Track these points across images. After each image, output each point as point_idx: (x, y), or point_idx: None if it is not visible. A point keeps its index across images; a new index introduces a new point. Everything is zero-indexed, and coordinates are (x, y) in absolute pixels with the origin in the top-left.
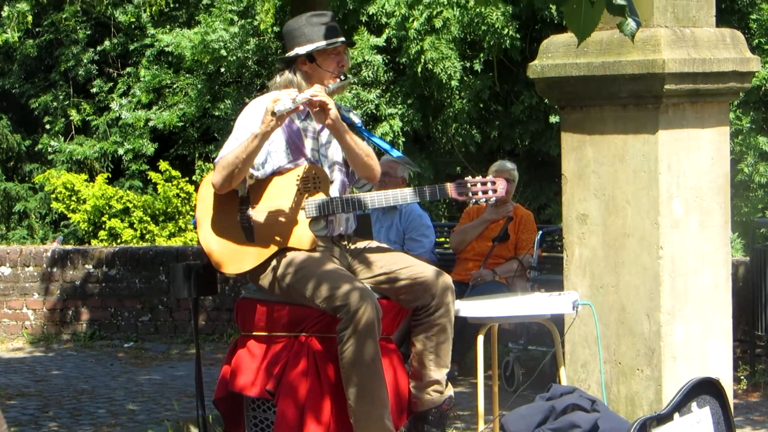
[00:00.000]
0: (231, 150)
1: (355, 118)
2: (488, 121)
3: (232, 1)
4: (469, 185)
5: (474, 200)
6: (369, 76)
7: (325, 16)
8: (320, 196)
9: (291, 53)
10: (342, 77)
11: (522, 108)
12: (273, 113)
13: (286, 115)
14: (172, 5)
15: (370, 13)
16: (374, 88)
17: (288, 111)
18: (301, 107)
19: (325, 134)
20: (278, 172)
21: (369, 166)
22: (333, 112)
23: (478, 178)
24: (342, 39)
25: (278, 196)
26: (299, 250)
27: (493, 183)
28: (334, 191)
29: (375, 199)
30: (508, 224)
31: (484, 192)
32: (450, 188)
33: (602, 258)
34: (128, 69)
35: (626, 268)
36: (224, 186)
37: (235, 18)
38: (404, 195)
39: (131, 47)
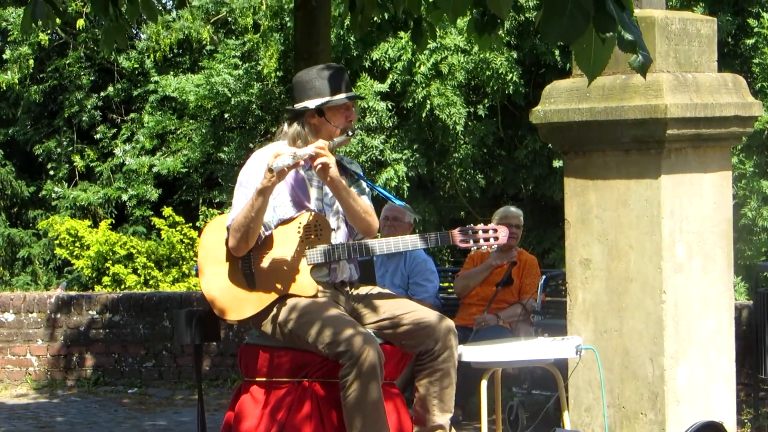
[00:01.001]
0: (239, 212)
1: (358, 170)
2: (492, 166)
3: (235, 47)
4: (471, 233)
5: (476, 247)
6: (373, 122)
7: (336, 70)
8: (322, 244)
9: (300, 105)
10: (349, 132)
11: (526, 153)
12: (270, 170)
13: (286, 171)
14: (176, 51)
15: (374, 58)
16: (378, 133)
17: (288, 167)
18: (302, 162)
19: None
20: (282, 221)
21: (366, 223)
22: (333, 171)
23: (480, 226)
24: (352, 94)
25: (280, 244)
26: (301, 296)
27: (495, 231)
28: (339, 239)
29: (381, 245)
30: (512, 269)
31: (486, 239)
32: (454, 235)
33: (606, 302)
34: (132, 115)
35: (629, 312)
36: (241, 248)
37: (239, 62)
38: (409, 242)
39: (135, 93)
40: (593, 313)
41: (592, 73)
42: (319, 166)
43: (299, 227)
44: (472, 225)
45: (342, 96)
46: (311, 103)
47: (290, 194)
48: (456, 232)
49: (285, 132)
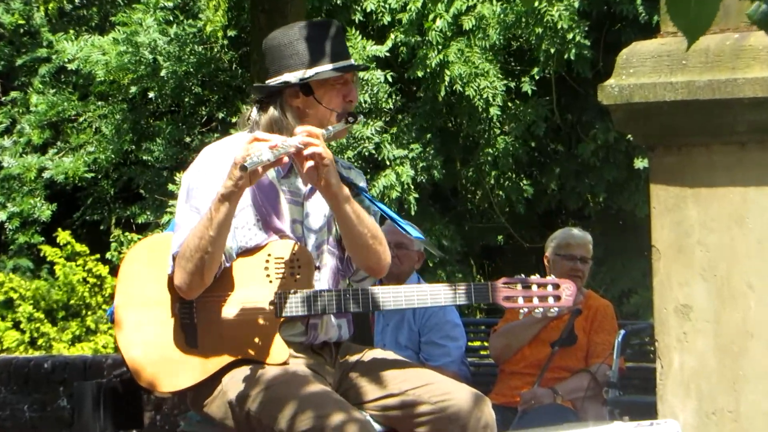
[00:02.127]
0: (190, 232)
1: (359, 179)
2: (544, 168)
3: None
4: (522, 287)
5: (526, 309)
6: (365, 103)
7: (328, 27)
8: (301, 288)
9: (276, 80)
10: (349, 119)
11: (594, 148)
12: (243, 167)
13: (261, 172)
14: (77, 2)
15: (367, 9)
16: (373, 119)
17: (264, 165)
18: (286, 159)
19: (315, 201)
20: (243, 249)
21: (375, 253)
22: (331, 170)
23: (534, 278)
24: (352, 62)
25: (238, 283)
26: (264, 363)
27: (557, 287)
28: (323, 282)
29: (389, 297)
30: (575, 321)
31: (542, 298)
32: (496, 290)
33: (714, 370)
34: (13, 94)
35: (750, 384)
36: (194, 286)
37: (170, 17)
38: (429, 295)
39: (18, 62)
40: (695, 386)
41: (692, 30)
42: (310, 163)
43: (267, 261)
44: (523, 275)
45: (339, 65)
46: (293, 77)
47: (255, 211)
48: (500, 284)
49: (254, 120)
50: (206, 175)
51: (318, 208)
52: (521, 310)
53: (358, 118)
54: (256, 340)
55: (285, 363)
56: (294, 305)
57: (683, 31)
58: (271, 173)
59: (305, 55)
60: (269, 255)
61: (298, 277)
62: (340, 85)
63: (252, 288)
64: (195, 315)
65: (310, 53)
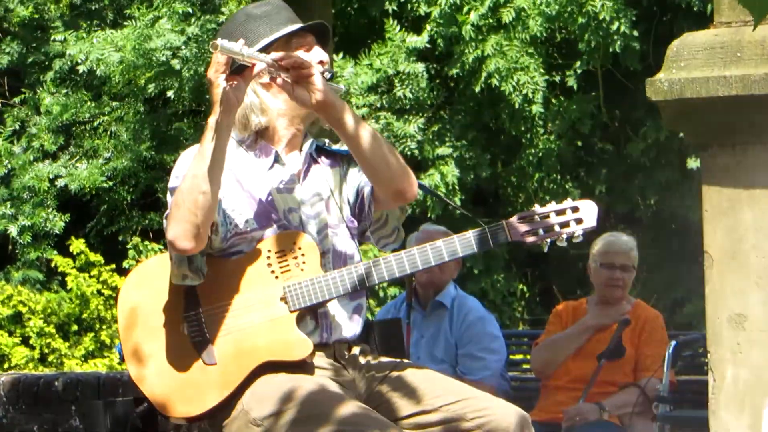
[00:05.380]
0: (184, 177)
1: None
2: (591, 168)
3: None
4: (539, 218)
5: (550, 240)
6: (407, 98)
7: (271, 4)
8: (307, 276)
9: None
10: (326, 75)
11: (644, 147)
12: (215, 46)
13: (241, 81)
14: None
15: None
16: (415, 115)
17: (239, 59)
18: (260, 66)
19: (308, 185)
20: (238, 249)
21: (397, 167)
22: (319, 78)
23: (551, 206)
24: (307, 24)
25: (243, 287)
26: (286, 362)
27: (576, 209)
28: (331, 267)
29: (402, 262)
30: (623, 332)
31: (563, 224)
32: (511, 227)
33: None
34: (23, 94)
35: None
36: (189, 234)
37: (190, 10)
38: (446, 248)
39: (28, 60)
40: (750, 400)
41: (760, 6)
42: (294, 73)
43: (268, 257)
44: (537, 207)
45: (295, 26)
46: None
47: (247, 197)
48: (514, 221)
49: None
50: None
51: (313, 192)
52: (545, 242)
53: (341, 86)
54: (275, 340)
55: (310, 356)
56: (305, 295)
57: (750, 10)
58: (257, 165)
59: (258, 30)
60: (269, 251)
61: (304, 266)
62: (304, 48)
63: (259, 288)
64: (206, 330)
65: (264, 25)
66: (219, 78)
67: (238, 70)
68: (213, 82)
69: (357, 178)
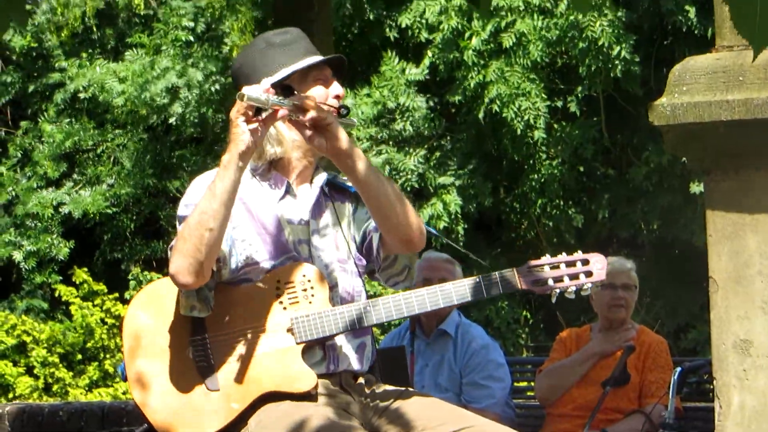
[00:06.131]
0: (193, 209)
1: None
2: (593, 194)
3: (186, 12)
4: (548, 268)
5: (558, 290)
6: (407, 131)
7: (291, 32)
8: (315, 309)
9: None
10: (342, 110)
11: (646, 171)
12: (241, 96)
13: (262, 126)
14: (91, 23)
15: (402, 24)
16: (415, 147)
17: (264, 109)
18: (283, 112)
19: (319, 220)
20: (248, 278)
21: (405, 214)
22: (336, 126)
23: (561, 257)
24: (326, 57)
25: (251, 316)
26: (291, 394)
27: (586, 262)
28: (338, 301)
29: (412, 302)
30: (628, 358)
31: (573, 277)
32: (520, 275)
33: None
34: (23, 124)
35: None
36: (191, 270)
37: (191, 38)
38: (455, 292)
39: (30, 88)
40: (757, 427)
41: (759, 39)
42: (312, 114)
43: (277, 288)
44: (548, 256)
45: (314, 59)
46: (271, 81)
47: (259, 228)
48: (525, 268)
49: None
50: (199, 194)
51: (322, 225)
52: (555, 291)
53: (353, 120)
54: (280, 371)
55: (314, 388)
56: (312, 328)
57: (749, 41)
58: (269, 195)
59: (276, 61)
60: (278, 281)
61: (312, 298)
62: (321, 81)
63: (266, 318)
64: (211, 356)
65: (284, 55)
66: (239, 119)
67: (259, 111)
68: (234, 122)
69: (364, 221)
